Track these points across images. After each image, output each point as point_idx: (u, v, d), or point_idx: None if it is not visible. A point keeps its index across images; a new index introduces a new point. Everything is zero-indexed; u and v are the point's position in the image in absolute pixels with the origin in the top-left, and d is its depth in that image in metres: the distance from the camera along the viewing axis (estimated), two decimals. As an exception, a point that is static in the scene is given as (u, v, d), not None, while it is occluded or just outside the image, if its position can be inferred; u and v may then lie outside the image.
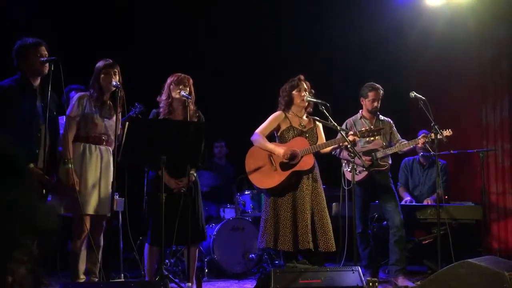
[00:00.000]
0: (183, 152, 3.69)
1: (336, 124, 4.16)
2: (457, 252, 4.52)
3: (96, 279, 3.80)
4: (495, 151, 6.31)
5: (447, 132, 4.62)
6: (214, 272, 5.28)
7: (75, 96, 3.92)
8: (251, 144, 4.37)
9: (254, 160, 4.32)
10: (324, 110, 4.15)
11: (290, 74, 4.48)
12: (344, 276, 3.72)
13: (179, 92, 4.03)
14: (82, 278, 3.76)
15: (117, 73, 3.87)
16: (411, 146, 4.92)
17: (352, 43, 6.79)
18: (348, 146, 4.10)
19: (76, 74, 4.28)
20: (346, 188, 4.69)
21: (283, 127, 4.37)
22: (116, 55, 4.05)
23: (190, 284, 3.96)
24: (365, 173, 4.72)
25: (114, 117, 3.82)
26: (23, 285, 1.44)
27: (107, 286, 3.56)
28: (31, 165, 3.48)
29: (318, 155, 4.38)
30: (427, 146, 4.83)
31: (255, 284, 4.06)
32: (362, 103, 4.98)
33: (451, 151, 5.44)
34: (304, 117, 4.44)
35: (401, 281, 4.64)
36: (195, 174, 4.12)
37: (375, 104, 4.88)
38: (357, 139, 4.29)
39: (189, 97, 4.02)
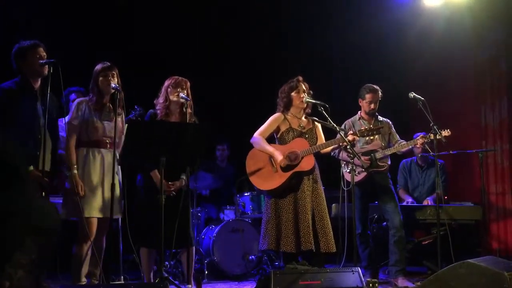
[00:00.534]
0: (182, 154, 3.68)
1: (335, 125, 4.17)
2: (456, 253, 4.52)
3: (97, 282, 3.81)
4: (494, 151, 6.32)
5: (445, 133, 4.62)
6: (214, 274, 5.27)
7: (74, 103, 3.95)
8: (251, 145, 4.37)
9: (254, 162, 4.32)
10: (323, 111, 4.16)
11: (289, 74, 4.49)
12: (344, 277, 3.72)
13: (177, 95, 4.04)
14: (84, 280, 3.78)
15: (115, 75, 3.88)
16: (410, 147, 4.93)
17: (351, 44, 6.80)
18: (347, 146, 4.11)
19: (76, 74, 4.28)
20: (345, 189, 4.69)
21: (283, 128, 4.38)
22: (116, 55, 4.06)
23: (190, 286, 3.96)
24: (364, 174, 4.72)
25: (115, 119, 3.83)
26: (21, 287, 1.43)
27: (107, 288, 3.57)
28: (31, 168, 3.49)
29: (317, 156, 4.38)
30: (426, 146, 4.84)
31: (255, 286, 4.05)
32: (360, 104, 4.99)
33: (451, 152, 5.45)
34: (303, 118, 4.45)
35: (401, 281, 4.64)
36: (185, 179, 4.11)
37: (372, 106, 4.88)
38: (356, 138, 4.29)
39: (188, 99, 4.02)
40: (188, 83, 4.15)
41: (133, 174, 4.23)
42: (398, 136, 4.97)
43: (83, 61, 4.60)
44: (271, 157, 4.28)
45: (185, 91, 4.09)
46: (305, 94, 4.35)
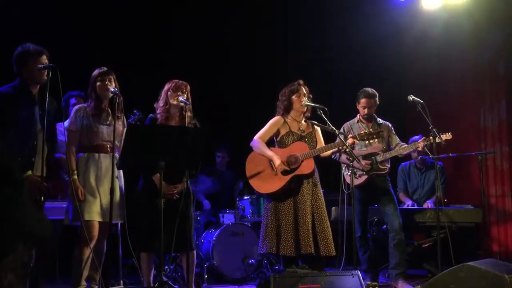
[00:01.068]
0: (182, 157, 3.67)
1: (334, 128, 4.17)
2: (457, 255, 4.51)
3: (96, 286, 3.81)
4: (494, 154, 6.32)
5: (447, 136, 4.61)
6: (214, 278, 5.26)
7: (73, 110, 3.96)
8: (251, 148, 4.37)
9: (254, 165, 4.32)
10: (322, 115, 4.16)
11: (288, 75, 4.48)
12: (343, 281, 3.71)
13: (177, 98, 4.03)
14: (83, 285, 3.76)
15: (112, 80, 3.87)
16: (411, 150, 4.91)
17: (350, 46, 6.81)
18: (347, 150, 4.11)
19: (76, 74, 4.29)
20: (345, 191, 4.69)
21: (283, 132, 4.37)
22: (116, 55, 4.05)
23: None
24: (365, 177, 4.72)
25: (114, 123, 3.82)
26: None
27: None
28: (29, 172, 3.48)
29: (317, 160, 4.37)
30: (426, 149, 4.83)
31: (254, 290, 4.05)
32: (357, 107, 4.99)
33: (450, 154, 5.44)
34: (303, 121, 4.44)
35: (401, 285, 4.63)
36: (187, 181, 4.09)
37: (366, 111, 4.88)
38: (356, 142, 4.29)
39: (187, 102, 4.01)
40: (188, 87, 4.14)
41: (133, 179, 4.22)
42: (398, 139, 4.96)
43: (83, 61, 4.59)
44: (270, 160, 4.28)
45: (185, 95, 4.08)
46: (305, 97, 4.35)
